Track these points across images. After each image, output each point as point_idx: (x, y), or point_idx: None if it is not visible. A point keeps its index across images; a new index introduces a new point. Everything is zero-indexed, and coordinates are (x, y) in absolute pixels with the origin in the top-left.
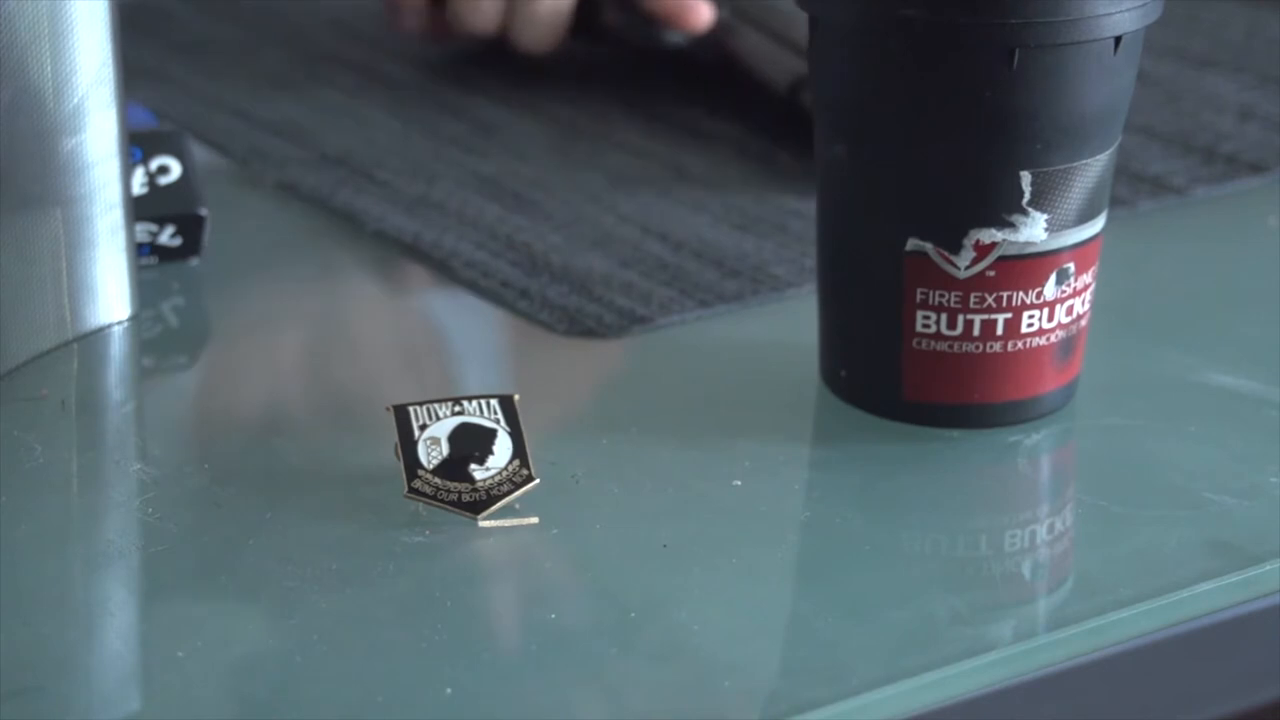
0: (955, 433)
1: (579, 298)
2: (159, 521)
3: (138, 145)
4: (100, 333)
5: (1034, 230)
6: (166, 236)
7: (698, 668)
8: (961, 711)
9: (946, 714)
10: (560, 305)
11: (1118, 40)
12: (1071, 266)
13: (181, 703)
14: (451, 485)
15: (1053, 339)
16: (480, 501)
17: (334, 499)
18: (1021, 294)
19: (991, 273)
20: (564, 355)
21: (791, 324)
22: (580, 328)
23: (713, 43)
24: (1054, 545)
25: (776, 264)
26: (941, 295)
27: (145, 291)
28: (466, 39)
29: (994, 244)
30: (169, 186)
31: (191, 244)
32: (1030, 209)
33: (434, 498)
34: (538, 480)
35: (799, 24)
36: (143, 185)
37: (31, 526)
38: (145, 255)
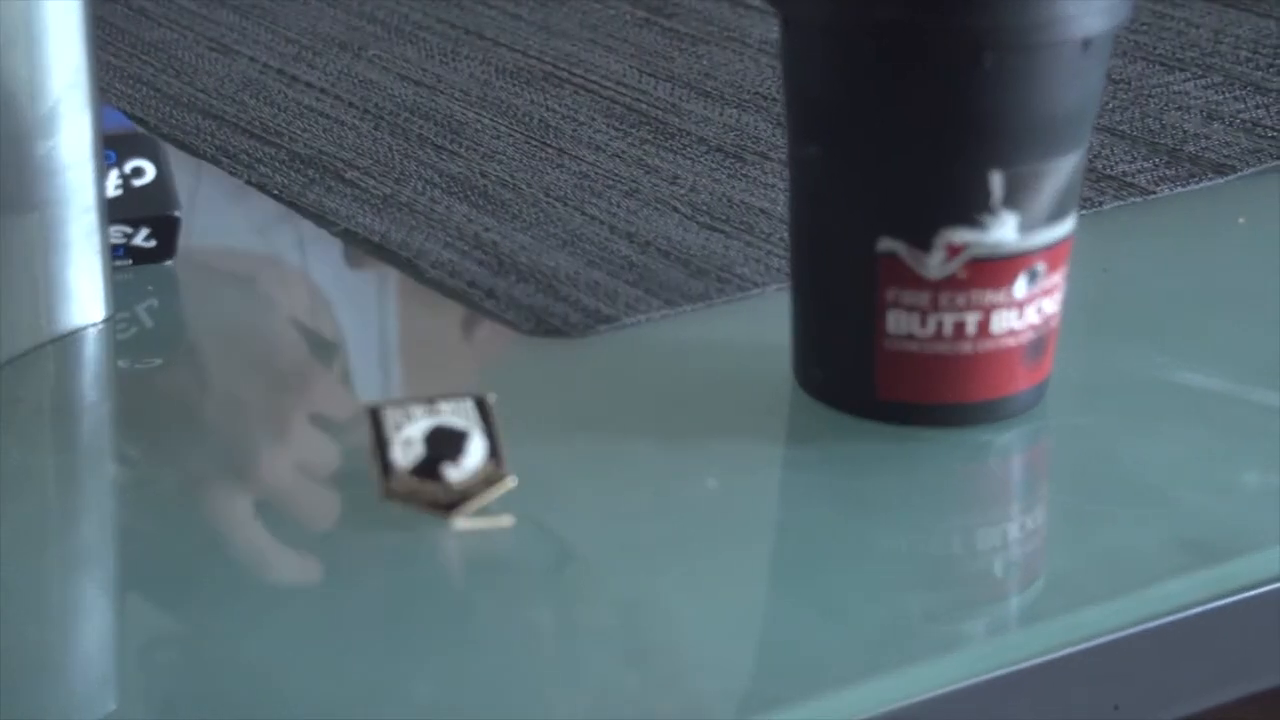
0: (928, 432)
1: (545, 297)
2: (134, 523)
3: (112, 148)
4: (75, 335)
5: (1005, 231)
6: (141, 238)
7: (673, 666)
8: (935, 707)
9: (920, 710)
10: (526, 304)
11: (1088, 41)
12: (1042, 266)
13: (158, 704)
14: (426, 486)
15: (1024, 339)
16: (455, 502)
17: (309, 500)
18: (992, 294)
19: (962, 273)
20: (530, 354)
21: (759, 323)
22: (546, 327)
23: None
24: (1026, 543)
25: (743, 263)
26: (913, 295)
27: (120, 293)
28: None
29: (965, 244)
30: (143, 189)
31: (166, 246)
32: (1001, 209)
33: (409, 499)
34: (513, 480)
35: None
36: (117, 188)
37: (6, 528)
38: (120, 257)
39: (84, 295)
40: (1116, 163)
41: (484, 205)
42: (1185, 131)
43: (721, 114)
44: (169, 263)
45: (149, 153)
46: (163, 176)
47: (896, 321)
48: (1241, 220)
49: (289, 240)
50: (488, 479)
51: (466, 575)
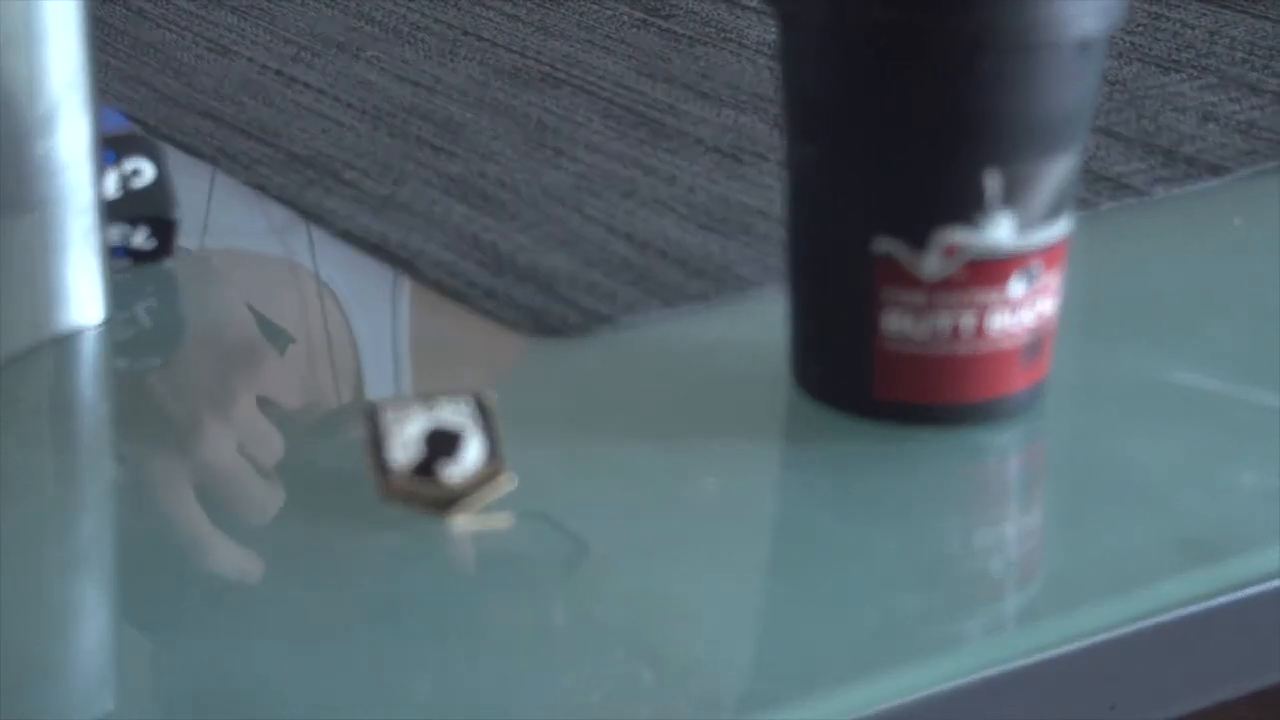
0: (925, 432)
1: (544, 298)
2: (133, 523)
3: (111, 148)
4: (74, 335)
5: (1001, 230)
6: (140, 239)
7: (669, 665)
8: (931, 707)
9: (917, 709)
10: (525, 305)
11: (1084, 42)
12: (1038, 266)
13: (156, 704)
14: (424, 485)
15: (1020, 339)
16: (453, 501)
17: (306, 500)
18: (989, 294)
19: (959, 273)
20: (529, 355)
21: (757, 324)
22: (545, 327)
23: None
24: (1023, 543)
25: (741, 264)
26: (909, 295)
27: (118, 294)
28: None
29: (962, 244)
30: (142, 189)
31: (164, 246)
32: (998, 209)
33: (407, 498)
34: (511, 479)
35: None
36: (116, 188)
37: (5, 528)
38: (119, 258)
39: (82, 296)
40: (1112, 164)
41: (482, 206)
42: (1181, 132)
43: (719, 115)
44: (168, 263)
45: (148, 153)
46: (161, 177)
47: (893, 321)
48: (1237, 221)
49: (287, 240)
50: (486, 478)
51: (465, 575)
